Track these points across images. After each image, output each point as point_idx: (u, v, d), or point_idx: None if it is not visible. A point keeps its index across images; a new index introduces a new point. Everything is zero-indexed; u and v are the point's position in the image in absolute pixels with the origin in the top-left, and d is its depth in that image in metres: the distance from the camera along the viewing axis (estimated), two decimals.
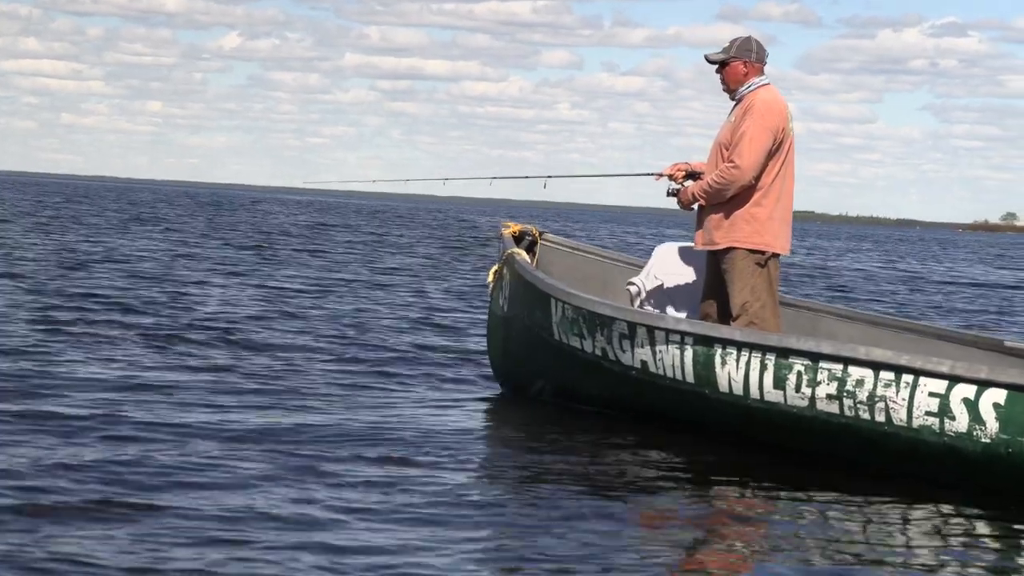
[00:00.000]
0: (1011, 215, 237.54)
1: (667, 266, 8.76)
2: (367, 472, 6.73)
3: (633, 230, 70.61)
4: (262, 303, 15.00)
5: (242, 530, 5.55)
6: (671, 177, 8.35)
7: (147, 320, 12.41)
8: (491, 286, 9.30)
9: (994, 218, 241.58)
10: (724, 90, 8.18)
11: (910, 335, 8.61)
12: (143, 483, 6.18)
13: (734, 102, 8.16)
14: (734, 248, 7.96)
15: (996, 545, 6.08)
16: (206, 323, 12.40)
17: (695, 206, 8.19)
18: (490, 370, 9.71)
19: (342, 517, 5.87)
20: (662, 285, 8.73)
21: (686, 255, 8.51)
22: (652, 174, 8.52)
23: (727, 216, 7.98)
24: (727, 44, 8.17)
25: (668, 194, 8.36)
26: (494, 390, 9.51)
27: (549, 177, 9.89)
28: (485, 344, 9.88)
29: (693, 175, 8.31)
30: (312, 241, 33.79)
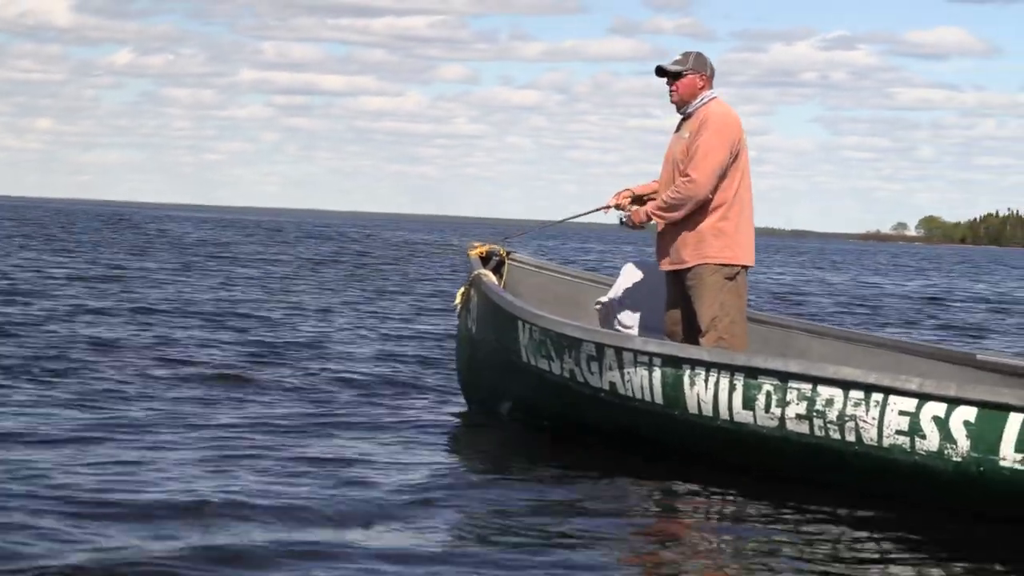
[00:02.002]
0: (902, 225, 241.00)
1: (636, 284, 8.68)
2: (328, 495, 6.69)
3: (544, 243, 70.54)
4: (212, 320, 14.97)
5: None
6: (618, 206, 8.26)
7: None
8: (458, 307, 9.22)
9: (885, 228, 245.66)
10: (674, 102, 8.05)
11: (883, 351, 8.54)
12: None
13: (682, 116, 8.06)
14: (703, 263, 7.86)
15: (967, 565, 6.02)
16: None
17: (653, 223, 8.06)
18: (459, 391, 9.62)
19: (300, 539, 5.84)
20: (631, 303, 8.65)
21: (654, 272, 8.38)
22: (599, 209, 8.43)
23: (694, 234, 7.88)
24: (680, 57, 8.07)
25: (620, 222, 8.26)
26: (463, 411, 9.41)
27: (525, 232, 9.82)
28: (454, 365, 9.82)
29: (638, 199, 8.23)
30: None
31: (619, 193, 8.32)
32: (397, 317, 17.07)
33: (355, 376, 11.01)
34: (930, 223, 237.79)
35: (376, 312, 17.48)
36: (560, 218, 9.50)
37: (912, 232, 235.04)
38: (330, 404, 9.59)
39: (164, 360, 11.32)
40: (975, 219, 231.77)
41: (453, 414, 9.40)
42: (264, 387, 10.18)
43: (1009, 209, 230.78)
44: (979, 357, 8.31)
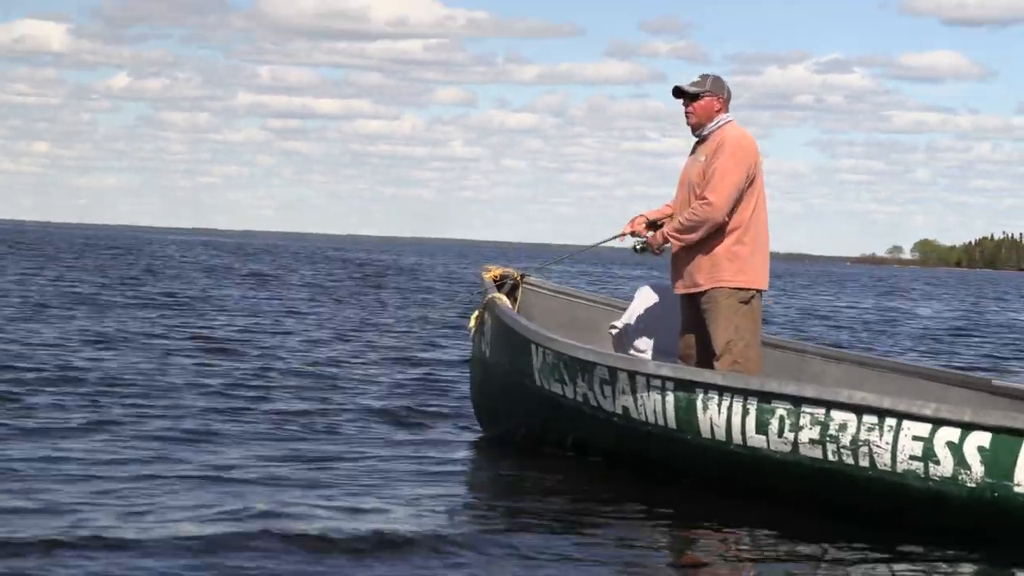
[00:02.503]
0: (897, 248, 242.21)
1: (650, 307, 8.64)
2: (338, 520, 6.67)
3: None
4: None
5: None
6: (633, 233, 8.20)
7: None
8: (472, 331, 9.18)
9: (881, 251, 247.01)
10: (690, 124, 8.00)
11: (898, 375, 8.48)
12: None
13: (697, 139, 8.02)
14: (717, 287, 7.81)
15: None
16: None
17: (667, 246, 8.00)
18: (473, 414, 9.58)
19: (326, 554, 5.90)
20: (645, 327, 8.61)
21: (669, 296, 8.33)
22: (616, 237, 8.37)
23: (709, 258, 7.82)
24: (698, 79, 8.02)
25: (635, 249, 8.20)
26: (477, 434, 9.37)
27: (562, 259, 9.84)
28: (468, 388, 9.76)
29: (653, 224, 8.18)
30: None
31: (633, 220, 8.26)
32: (412, 340, 17.03)
33: (368, 399, 10.97)
34: (925, 246, 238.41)
35: (390, 335, 17.41)
36: (578, 248, 9.48)
37: (908, 255, 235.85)
38: (341, 427, 9.54)
39: (169, 386, 11.24)
40: (970, 242, 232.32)
41: (467, 438, 9.34)
42: (277, 411, 10.13)
43: (1004, 232, 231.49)
44: (995, 383, 8.26)
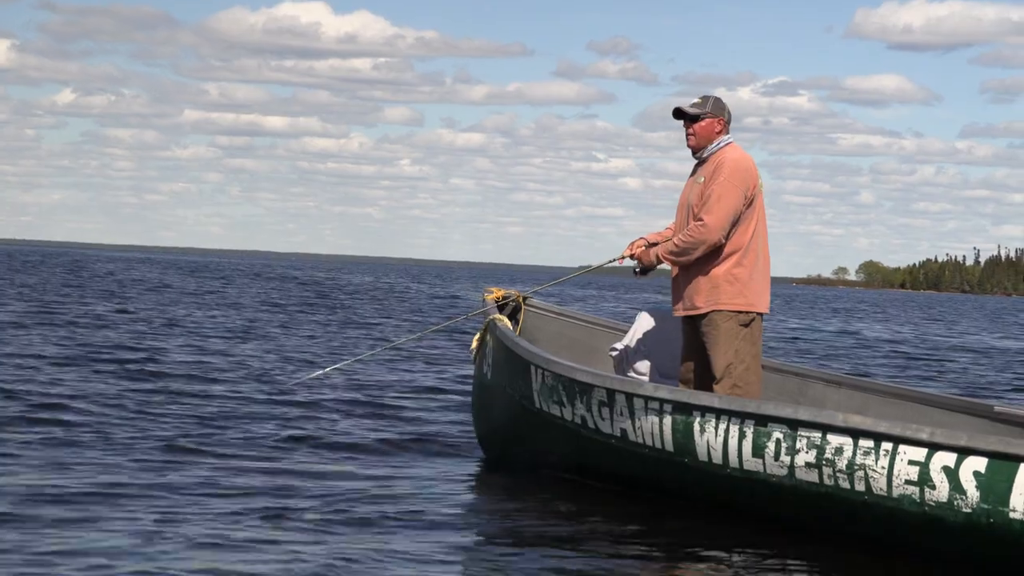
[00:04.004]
0: (843, 269, 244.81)
1: (651, 330, 8.60)
2: (343, 535, 6.72)
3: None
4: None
5: None
6: (633, 256, 8.14)
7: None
8: (474, 353, 9.15)
9: (827, 272, 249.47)
10: (690, 145, 7.95)
11: (898, 400, 8.43)
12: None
13: (697, 160, 7.97)
14: (717, 310, 7.76)
15: None
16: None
17: (665, 266, 8.00)
18: (474, 436, 9.54)
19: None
20: (646, 350, 8.57)
21: (670, 319, 8.30)
22: (615, 260, 8.35)
23: (708, 280, 7.77)
24: (699, 100, 7.97)
25: (636, 273, 8.14)
26: (478, 456, 9.34)
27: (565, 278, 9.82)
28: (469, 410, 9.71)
29: (653, 247, 8.07)
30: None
31: (633, 243, 8.21)
32: (412, 362, 16.94)
33: (369, 421, 10.94)
34: (870, 268, 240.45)
35: (391, 357, 17.29)
36: (576, 272, 9.45)
37: (852, 277, 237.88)
38: (344, 447, 9.52)
39: (165, 413, 11.13)
40: (914, 265, 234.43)
41: (468, 459, 9.31)
42: (280, 435, 10.11)
43: (948, 255, 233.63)
44: (996, 408, 8.19)
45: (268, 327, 23.32)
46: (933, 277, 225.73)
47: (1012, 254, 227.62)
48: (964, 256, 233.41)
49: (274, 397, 12.08)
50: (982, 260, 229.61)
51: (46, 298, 29.70)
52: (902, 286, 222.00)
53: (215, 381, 13.34)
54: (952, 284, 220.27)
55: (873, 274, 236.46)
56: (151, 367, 14.29)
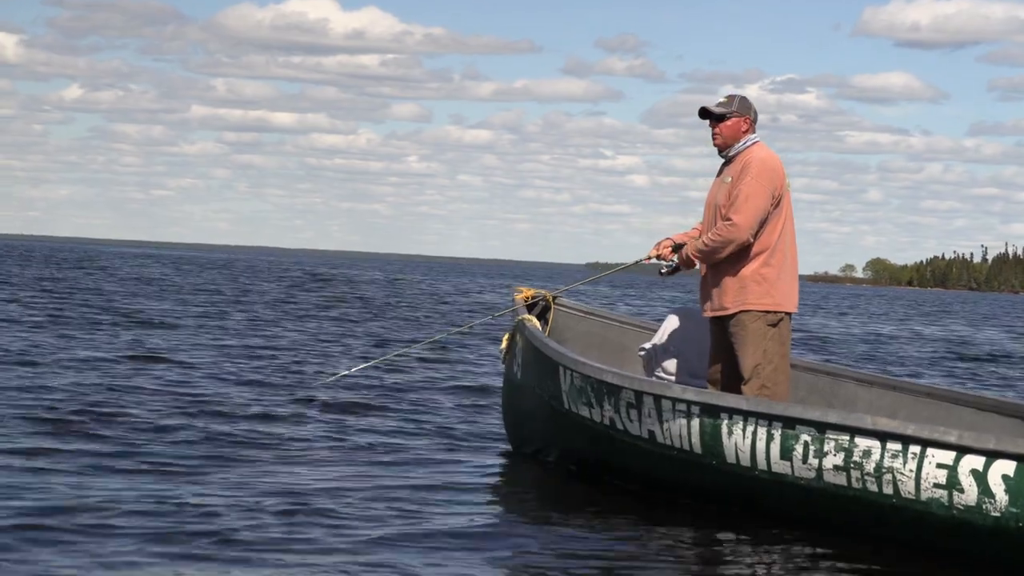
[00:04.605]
0: (850, 267, 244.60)
1: (680, 330, 8.57)
2: (375, 531, 6.77)
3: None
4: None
5: None
6: (659, 256, 8.13)
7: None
8: (504, 353, 9.14)
9: (834, 270, 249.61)
10: (716, 144, 7.90)
11: (931, 400, 8.37)
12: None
13: (724, 160, 7.93)
14: (745, 310, 7.73)
15: None
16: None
17: (695, 271, 7.98)
18: (505, 436, 9.56)
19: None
20: (675, 350, 8.54)
21: (699, 319, 8.25)
22: (641, 260, 8.33)
23: (736, 280, 7.74)
24: (724, 99, 7.92)
25: (662, 273, 8.13)
26: (509, 456, 9.33)
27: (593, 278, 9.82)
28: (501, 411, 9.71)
29: (679, 248, 8.08)
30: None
31: (659, 243, 8.19)
32: (443, 360, 16.96)
33: (400, 420, 10.94)
34: (877, 265, 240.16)
35: (424, 355, 17.26)
36: (605, 271, 9.47)
37: (860, 274, 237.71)
38: (374, 446, 9.53)
39: (196, 408, 11.16)
40: (921, 262, 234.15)
41: (498, 460, 9.30)
42: (309, 427, 10.11)
43: (955, 252, 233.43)
44: None
45: (290, 323, 23.42)
46: (940, 275, 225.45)
47: (1020, 252, 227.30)
48: (972, 254, 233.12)
49: (299, 396, 12.05)
50: (990, 258, 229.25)
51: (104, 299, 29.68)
52: (909, 283, 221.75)
53: (244, 380, 13.36)
54: (960, 282, 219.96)
55: (880, 272, 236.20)
56: (179, 363, 14.32)
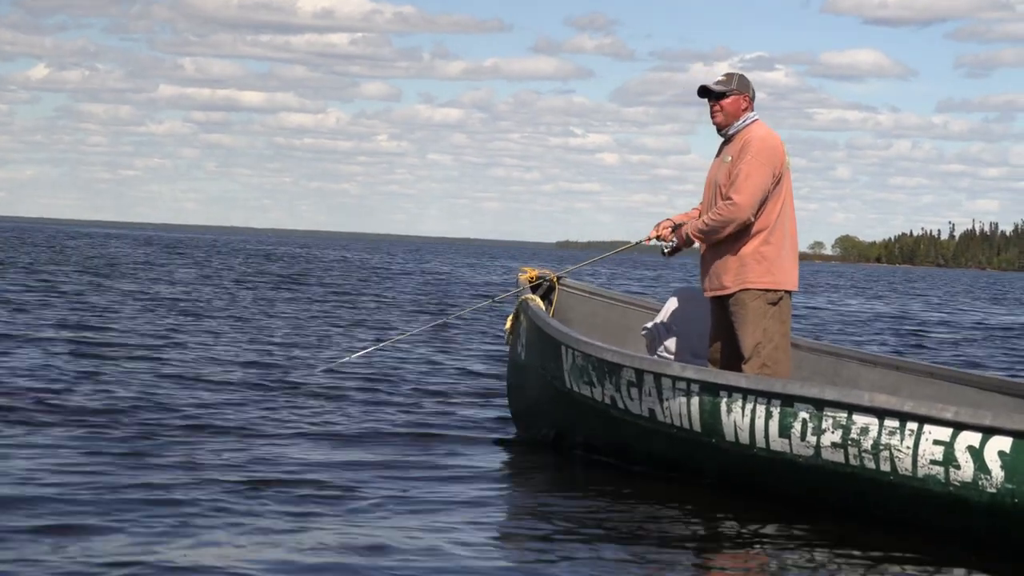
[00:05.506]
0: (819, 244, 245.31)
1: (682, 310, 8.59)
2: (380, 507, 6.86)
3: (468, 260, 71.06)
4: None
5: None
6: (659, 237, 8.13)
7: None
8: (508, 333, 9.16)
9: (803, 247, 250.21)
10: (716, 122, 7.89)
11: (933, 380, 8.38)
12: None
13: (723, 139, 7.93)
14: (745, 289, 7.73)
15: None
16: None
17: (696, 246, 7.98)
18: (509, 415, 9.58)
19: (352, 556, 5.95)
20: (677, 329, 8.56)
21: (701, 299, 8.24)
22: (641, 242, 8.35)
23: (736, 259, 7.74)
24: (723, 77, 7.90)
25: (663, 253, 8.13)
26: (512, 435, 9.36)
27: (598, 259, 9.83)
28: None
29: (678, 228, 8.07)
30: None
31: (659, 224, 8.20)
32: (447, 339, 16.97)
33: (403, 398, 10.99)
34: (846, 242, 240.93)
35: (430, 336, 17.30)
36: (608, 252, 9.51)
37: (829, 251, 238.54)
38: (378, 423, 9.57)
39: (180, 400, 11.22)
40: (890, 239, 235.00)
41: (502, 438, 9.33)
42: (309, 412, 10.15)
43: (923, 229, 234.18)
44: None
45: (287, 308, 23.42)
46: (908, 251, 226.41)
47: (986, 228, 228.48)
48: (939, 230, 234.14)
49: (300, 381, 12.05)
50: (957, 234, 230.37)
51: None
52: (878, 260, 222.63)
53: (239, 363, 13.39)
54: (927, 258, 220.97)
55: (849, 248, 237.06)
56: (170, 351, 14.30)
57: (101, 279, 29.61)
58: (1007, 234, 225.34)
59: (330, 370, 12.66)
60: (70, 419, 9.16)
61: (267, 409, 10.11)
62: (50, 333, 15.15)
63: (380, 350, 13.68)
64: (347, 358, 12.84)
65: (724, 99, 7.87)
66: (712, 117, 7.93)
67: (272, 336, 16.56)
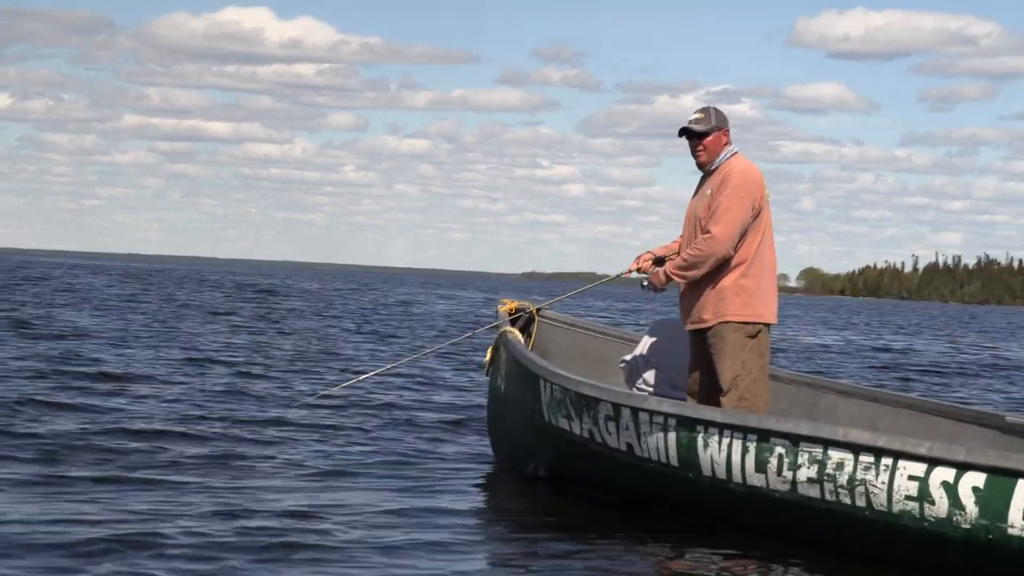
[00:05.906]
0: (783, 276, 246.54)
1: (661, 342, 8.58)
2: (364, 541, 6.83)
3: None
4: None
5: None
6: (639, 270, 8.13)
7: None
8: (487, 365, 9.15)
9: None
10: (701, 162, 7.86)
11: (910, 412, 8.38)
12: None
13: (704, 173, 7.91)
14: (724, 322, 7.71)
15: None
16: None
17: (674, 284, 7.95)
18: (490, 448, 9.59)
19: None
20: (656, 361, 8.55)
21: (680, 331, 8.21)
22: (620, 275, 8.39)
23: (715, 292, 7.72)
24: (700, 115, 7.87)
25: (643, 286, 8.11)
26: (493, 468, 9.35)
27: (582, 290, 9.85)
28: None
29: (660, 261, 8.09)
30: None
31: (640, 257, 8.20)
32: (427, 371, 16.93)
33: (384, 430, 10.97)
34: (810, 275, 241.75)
35: (410, 367, 17.18)
36: (588, 286, 9.50)
37: (793, 283, 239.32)
38: (355, 457, 9.54)
39: (182, 425, 11.20)
40: (854, 271, 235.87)
41: (483, 471, 9.31)
42: (295, 435, 10.13)
43: (887, 262, 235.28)
44: (1008, 419, 8.11)
45: (275, 339, 23.48)
46: (872, 284, 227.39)
47: (949, 261, 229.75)
48: (903, 263, 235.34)
49: (278, 415, 11.96)
50: (920, 267, 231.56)
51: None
52: (842, 292, 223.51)
53: (214, 393, 13.35)
54: (891, 291, 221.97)
55: (813, 281, 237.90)
56: (142, 385, 14.24)
57: (64, 309, 29.42)
58: (969, 267, 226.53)
59: (307, 404, 12.59)
60: (40, 453, 9.09)
61: (244, 443, 10.05)
62: (19, 364, 15.04)
63: (358, 384, 13.64)
64: (325, 391, 12.78)
65: (707, 137, 7.86)
66: (695, 157, 7.91)
67: (251, 368, 16.46)
